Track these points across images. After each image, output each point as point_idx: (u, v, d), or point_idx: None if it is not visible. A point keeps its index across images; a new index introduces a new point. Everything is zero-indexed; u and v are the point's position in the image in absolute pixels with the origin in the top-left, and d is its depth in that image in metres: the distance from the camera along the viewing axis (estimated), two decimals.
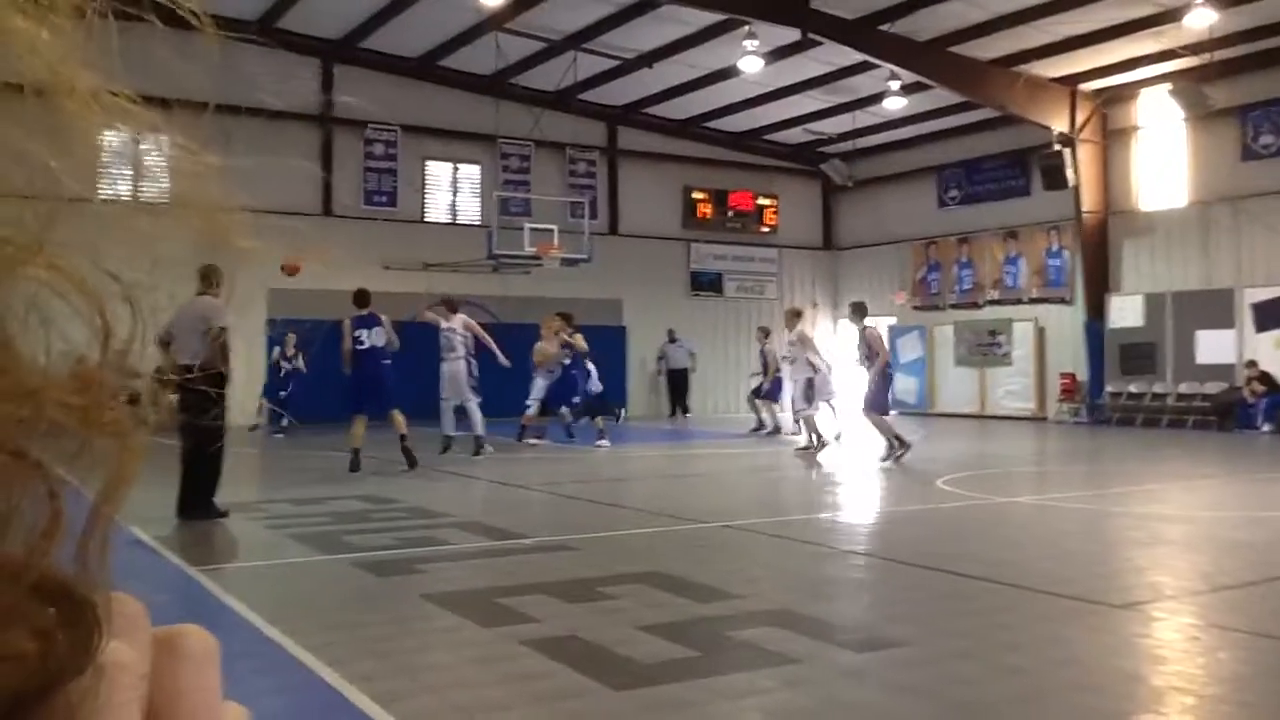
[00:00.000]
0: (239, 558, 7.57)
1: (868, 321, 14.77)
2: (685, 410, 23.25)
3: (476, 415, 14.73)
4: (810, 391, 15.80)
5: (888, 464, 13.57)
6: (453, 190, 24.94)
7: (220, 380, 8.80)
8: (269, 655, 4.72)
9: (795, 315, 16.75)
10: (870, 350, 14.32)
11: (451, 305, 15.86)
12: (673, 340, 24.06)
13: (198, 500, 8.63)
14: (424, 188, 24.51)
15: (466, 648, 4.83)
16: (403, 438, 12.74)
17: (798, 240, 29.23)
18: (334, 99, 23.42)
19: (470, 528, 8.38)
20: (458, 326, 15.26)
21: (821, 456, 14.71)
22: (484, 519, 8.86)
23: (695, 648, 4.76)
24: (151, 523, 8.38)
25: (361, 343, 12.79)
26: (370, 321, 12.96)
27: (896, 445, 13.89)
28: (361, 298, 13.15)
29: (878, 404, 14.46)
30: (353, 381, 12.87)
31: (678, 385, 23.82)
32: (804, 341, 16.26)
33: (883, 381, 14.44)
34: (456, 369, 15.01)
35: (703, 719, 3.83)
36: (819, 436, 15.39)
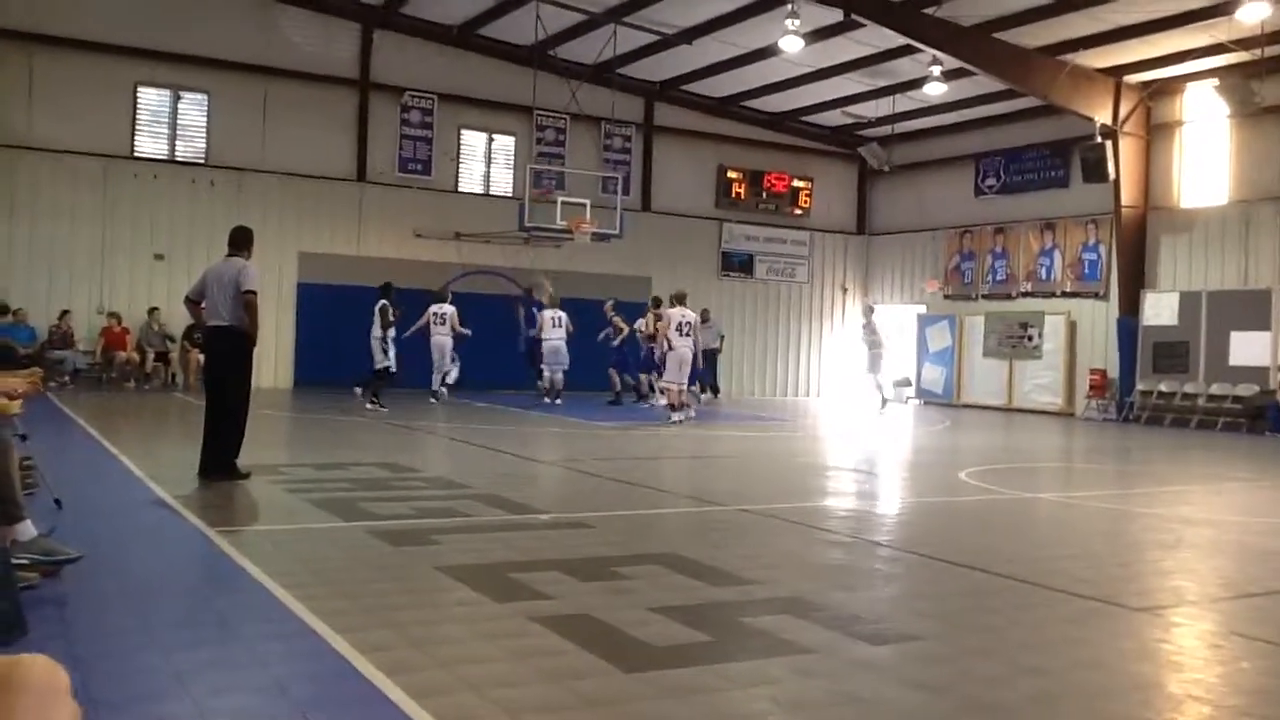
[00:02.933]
0: (257, 521, 7.58)
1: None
2: (715, 391, 23.17)
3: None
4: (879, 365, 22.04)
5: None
6: (487, 161, 24.88)
7: (248, 341, 8.81)
8: (281, 620, 4.72)
9: (870, 309, 22.70)
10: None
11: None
12: (705, 321, 23.79)
13: (220, 461, 8.65)
14: (459, 157, 24.48)
15: (478, 622, 4.81)
16: None
17: (831, 224, 29.03)
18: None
19: (489, 500, 8.37)
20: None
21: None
22: (503, 492, 8.84)
23: (708, 632, 4.72)
24: (173, 482, 8.43)
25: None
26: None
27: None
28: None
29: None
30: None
31: (708, 366, 23.62)
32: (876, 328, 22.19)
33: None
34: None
35: (713, 706, 3.78)
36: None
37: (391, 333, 17.33)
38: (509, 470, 10.84)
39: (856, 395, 27.63)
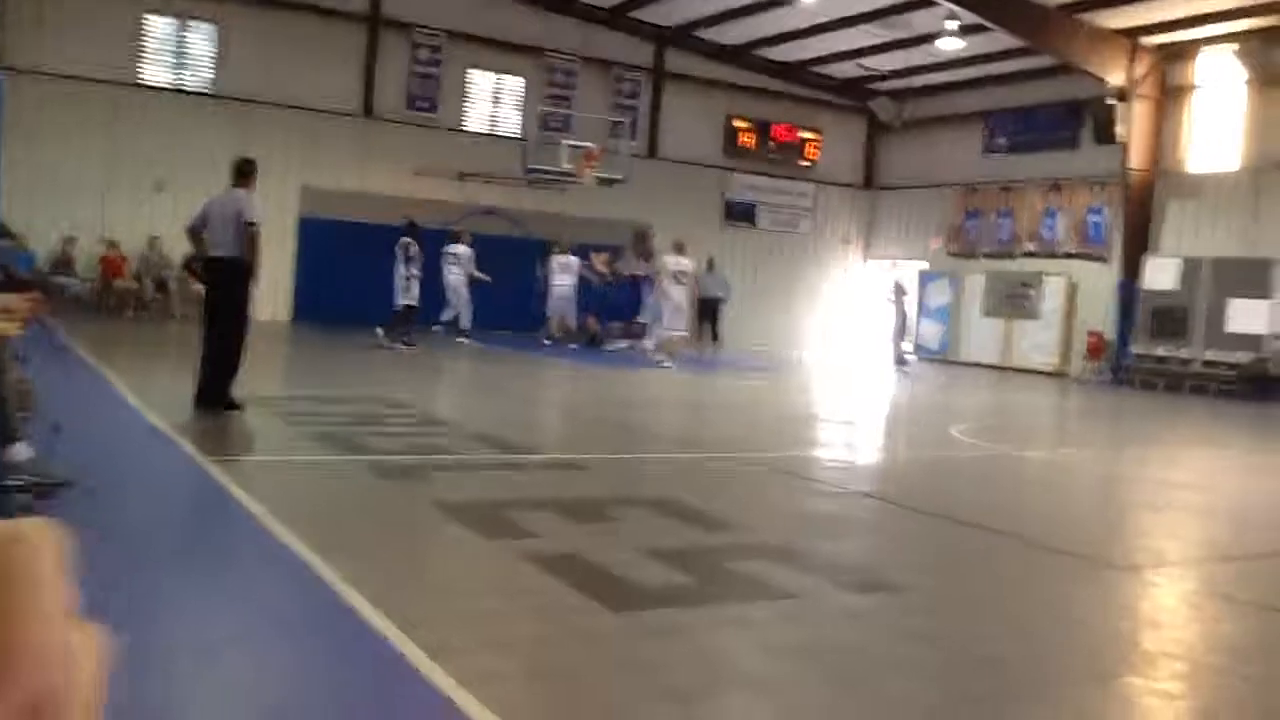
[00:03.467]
0: (253, 451, 7.62)
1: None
2: (715, 338, 23.07)
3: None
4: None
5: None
6: (494, 101, 24.68)
7: (248, 273, 8.77)
8: (270, 550, 4.76)
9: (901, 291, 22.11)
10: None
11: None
12: (710, 269, 23.37)
13: (215, 391, 8.67)
14: (465, 96, 24.28)
15: (469, 558, 4.87)
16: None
17: (837, 177, 28.85)
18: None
19: (485, 439, 8.42)
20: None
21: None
22: (497, 431, 8.88)
23: (695, 575, 4.77)
24: (170, 411, 8.46)
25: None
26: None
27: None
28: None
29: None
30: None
31: (711, 314, 23.22)
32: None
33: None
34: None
35: (697, 646, 3.84)
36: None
37: (415, 269, 17.14)
38: (506, 410, 10.88)
39: (855, 347, 27.68)
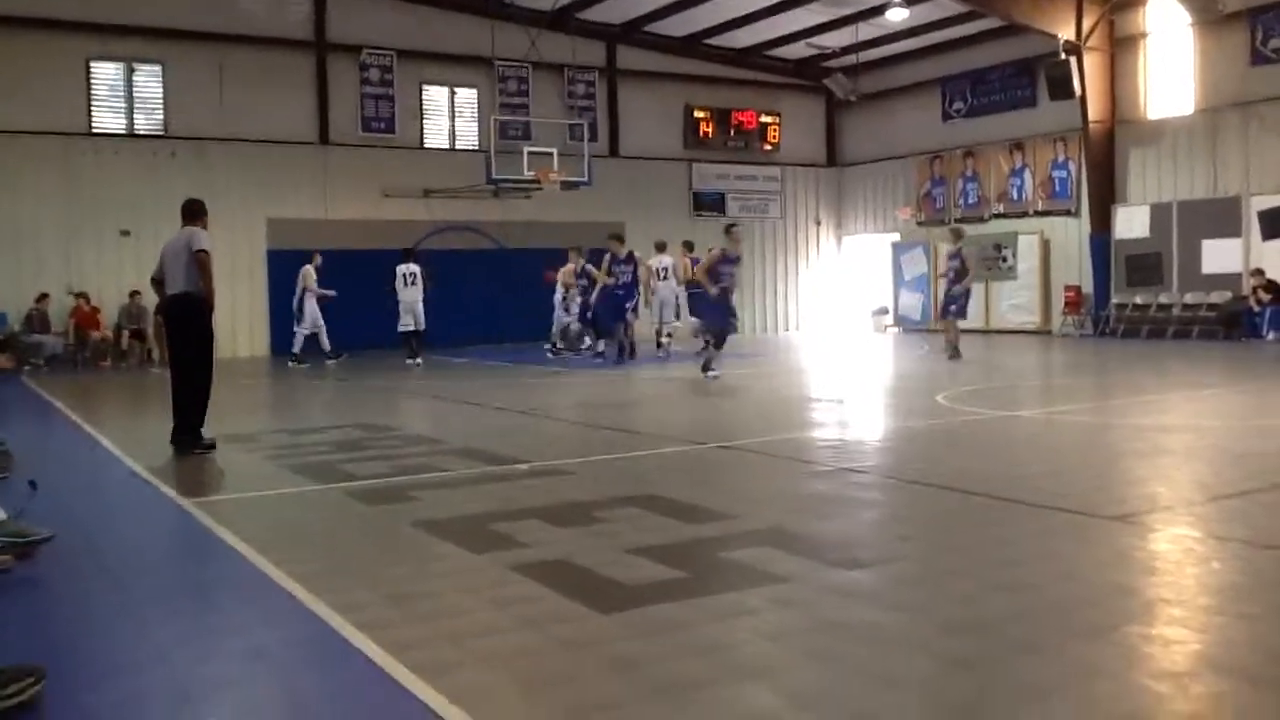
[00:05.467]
0: (232, 489, 7.55)
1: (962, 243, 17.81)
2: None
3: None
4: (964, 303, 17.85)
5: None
6: (450, 115, 24.61)
7: (205, 305, 8.62)
8: (257, 585, 4.71)
9: (958, 235, 18.39)
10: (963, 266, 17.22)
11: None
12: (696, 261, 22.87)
13: (190, 430, 8.60)
14: (422, 113, 24.20)
15: (457, 575, 4.82)
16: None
17: (801, 158, 28.88)
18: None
19: (467, 454, 8.37)
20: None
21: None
22: (482, 445, 8.83)
23: (687, 569, 4.73)
24: (148, 456, 8.39)
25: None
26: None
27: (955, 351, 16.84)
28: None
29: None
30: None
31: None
32: (967, 258, 17.73)
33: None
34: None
35: (692, 640, 3.80)
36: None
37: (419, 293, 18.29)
38: (489, 423, 10.83)
39: (837, 325, 27.71)
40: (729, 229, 15.01)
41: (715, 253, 14.70)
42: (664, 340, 18.89)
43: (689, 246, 19.93)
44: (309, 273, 18.98)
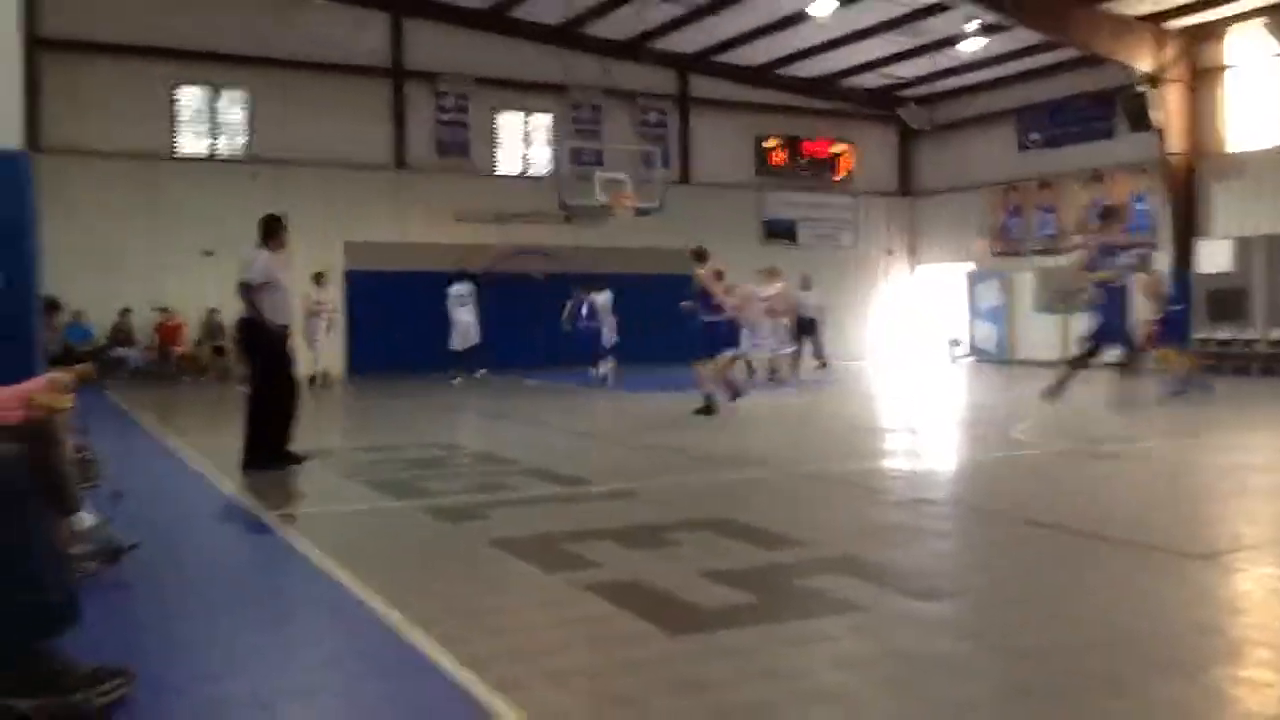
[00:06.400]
0: (312, 503, 7.66)
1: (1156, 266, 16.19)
2: (822, 362, 20.94)
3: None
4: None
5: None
6: (524, 141, 24.91)
7: (258, 332, 8.61)
8: (334, 597, 4.78)
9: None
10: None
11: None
12: (807, 287, 22.24)
13: (271, 448, 8.67)
14: (495, 139, 24.53)
15: (529, 592, 4.85)
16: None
17: (874, 187, 28.73)
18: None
19: (538, 474, 8.41)
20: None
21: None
22: (553, 465, 8.87)
23: (758, 594, 4.71)
24: (229, 469, 8.55)
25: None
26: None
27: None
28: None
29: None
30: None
31: (806, 334, 22.01)
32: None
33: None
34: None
35: (763, 666, 3.78)
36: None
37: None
38: (560, 444, 10.88)
39: (909, 355, 27.43)
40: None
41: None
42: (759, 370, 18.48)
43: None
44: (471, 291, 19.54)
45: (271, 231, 8.93)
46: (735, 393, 13.78)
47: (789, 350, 19.29)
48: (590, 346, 19.04)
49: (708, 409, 12.68)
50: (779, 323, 18.93)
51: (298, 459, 8.72)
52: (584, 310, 19.22)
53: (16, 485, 3.20)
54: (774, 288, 18.88)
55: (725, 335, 13.87)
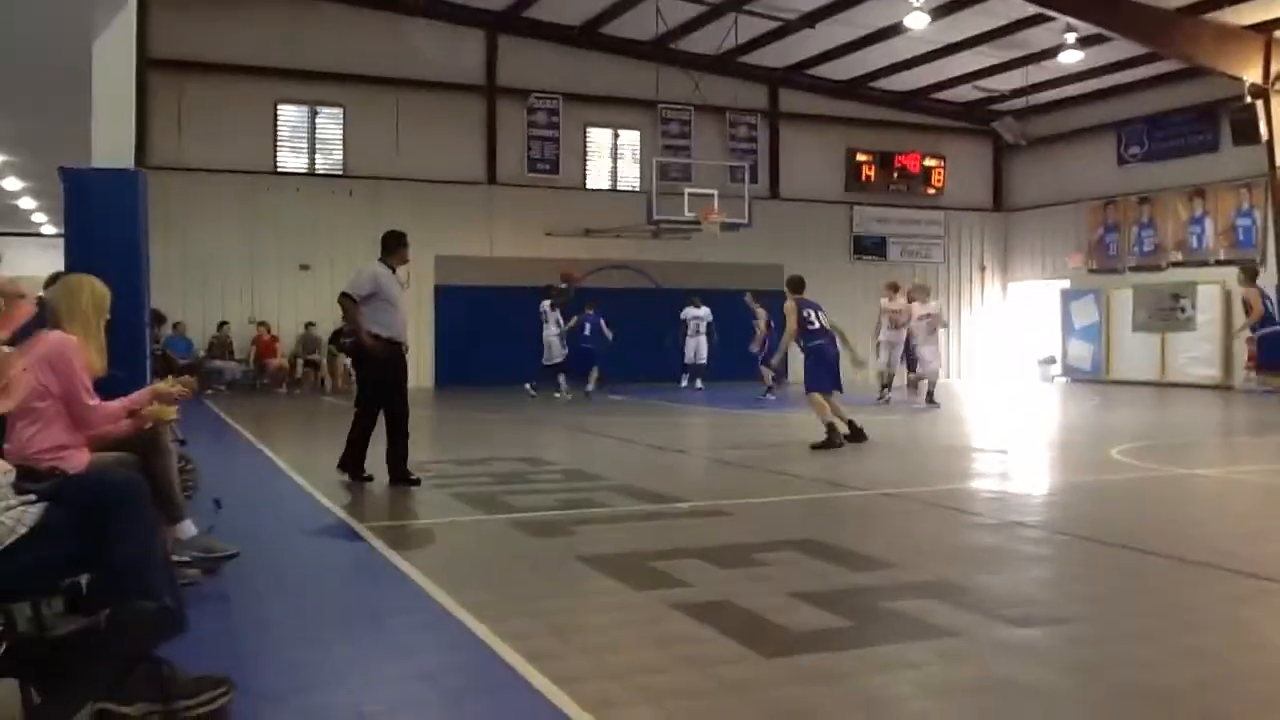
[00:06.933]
0: (404, 516, 7.77)
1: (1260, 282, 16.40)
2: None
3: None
4: None
5: None
6: (613, 156, 25.08)
7: (361, 348, 8.64)
8: (427, 611, 4.84)
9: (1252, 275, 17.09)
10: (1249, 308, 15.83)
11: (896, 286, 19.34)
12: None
13: (350, 461, 8.76)
14: (585, 154, 24.75)
15: (618, 610, 4.86)
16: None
17: (966, 202, 28.31)
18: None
19: (626, 491, 8.43)
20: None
21: None
22: (639, 482, 8.89)
23: (849, 617, 4.66)
24: (320, 478, 8.72)
25: (813, 324, 11.94)
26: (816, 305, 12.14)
27: None
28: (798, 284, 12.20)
29: None
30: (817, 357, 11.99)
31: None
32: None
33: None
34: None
35: (854, 690, 3.74)
36: None
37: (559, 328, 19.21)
38: (646, 460, 10.90)
39: (1002, 373, 26.93)
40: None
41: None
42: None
43: (894, 288, 19.45)
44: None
45: (389, 247, 8.98)
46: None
47: (934, 366, 18.62)
48: (598, 363, 19.71)
49: (829, 442, 11.30)
50: (934, 338, 18.59)
51: (414, 480, 8.56)
52: (586, 328, 19.64)
53: (137, 494, 3.30)
54: (930, 304, 18.78)
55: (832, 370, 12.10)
